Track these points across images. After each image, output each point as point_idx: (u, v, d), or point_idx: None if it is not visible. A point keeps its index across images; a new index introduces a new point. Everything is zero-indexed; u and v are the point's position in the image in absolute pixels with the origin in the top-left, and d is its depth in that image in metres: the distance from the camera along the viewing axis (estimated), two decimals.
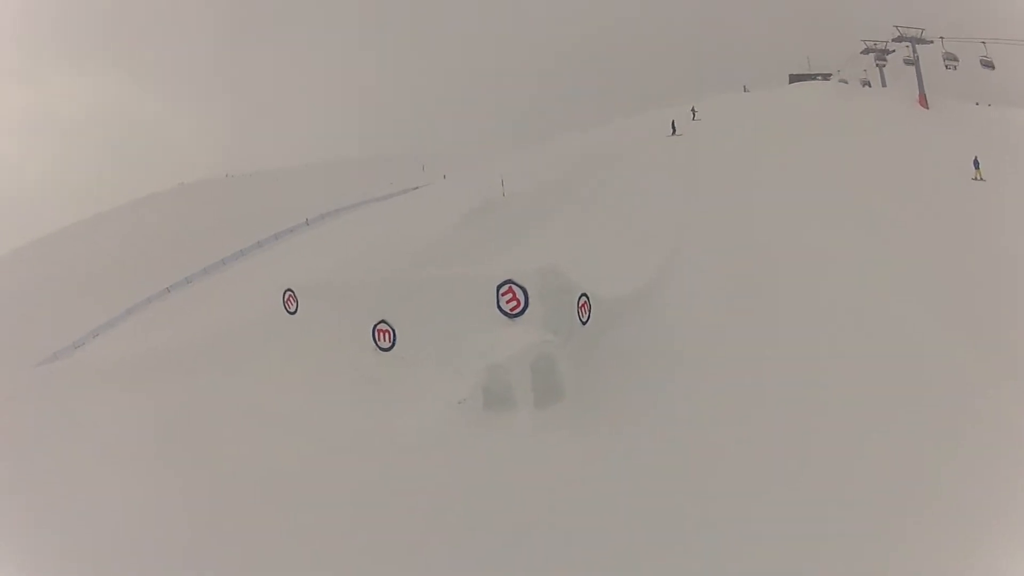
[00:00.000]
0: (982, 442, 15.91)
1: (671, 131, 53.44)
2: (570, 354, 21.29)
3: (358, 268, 37.62)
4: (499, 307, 21.81)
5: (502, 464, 16.72)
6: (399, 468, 16.63)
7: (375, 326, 23.47)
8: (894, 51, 64.41)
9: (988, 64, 56.19)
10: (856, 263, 27.08)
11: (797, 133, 47.14)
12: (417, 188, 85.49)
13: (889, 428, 16.68)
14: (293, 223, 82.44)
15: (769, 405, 18.64)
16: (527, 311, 21.52)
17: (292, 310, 27.08)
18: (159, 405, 21.50)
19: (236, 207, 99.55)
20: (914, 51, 60.23)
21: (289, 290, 27.24)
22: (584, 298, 23.15)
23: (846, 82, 70.96)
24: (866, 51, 67.65)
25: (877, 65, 68.18)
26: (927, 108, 57.46)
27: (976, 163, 39.21)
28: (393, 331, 23.22)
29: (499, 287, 21.81)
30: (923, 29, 60.62)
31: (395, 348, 23.18)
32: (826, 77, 75.93)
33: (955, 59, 58.57)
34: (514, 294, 21.64)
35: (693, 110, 58.56)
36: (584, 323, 23.06)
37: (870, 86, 68.50)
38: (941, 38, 59.71)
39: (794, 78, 78.27)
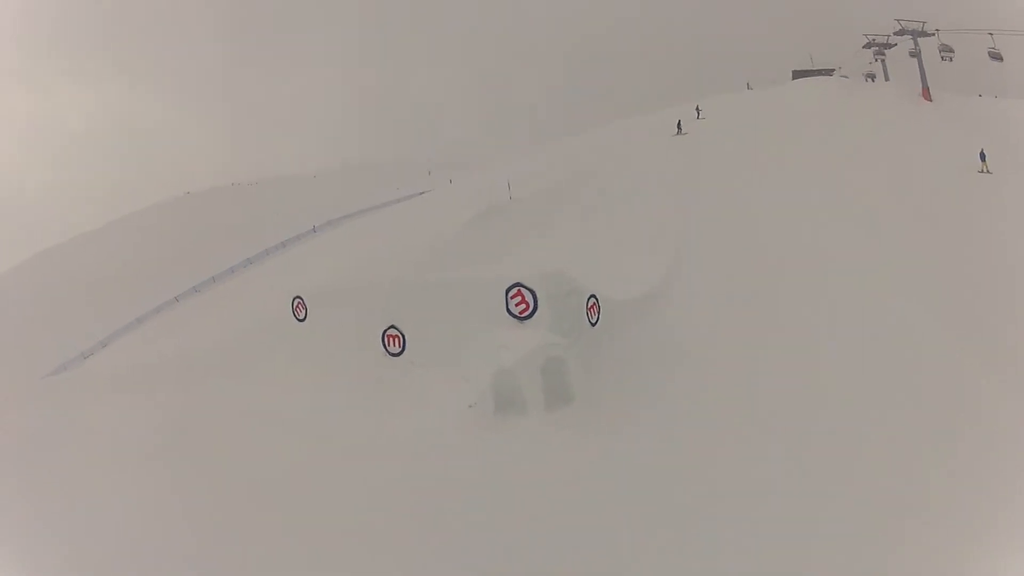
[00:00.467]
0: (983, 443, 15.95)
1: (677, 130, 53.41)
2: (579, 356, 21.32)
3: (366, 274, 37.56)
4: (508, 310, 21.87)
5: (514, 467, 16.78)
6: (411, 472, 16.70)
7: (384, 331, 23.54)
8: (896, 45, 64.19)
9: (996, 56, 55.52)
10: (861, 264, 27.03)
11: (801, 130, 46.99)
12: (423, 193, 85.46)
13: (890, 430, 16.73)
14: (300, 230, 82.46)
15: (774, 406, 18.70)
16: (536, 314, 21.57)
17: (301, 317, 27.16)
18: (168, 413, 21.62)
19: (243, 215, 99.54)
20: (916, 44, 60.02)
21: (298, 297, 27.32)
22: (593, 299, 23.19)
23: (847, 77, 70.72)
24: (868, 45, 67.47)
25: (876, 59, 67.96)
26: (930, 101, 57.30)
27: (982, 155, 38.99)
28: (403, 336, 23.29)
29: (508, 290, 21.87)
30: (924, 22, 60.41)
31: (405, 353, 23.26)
32: (829, 73, 75.71)
33: (951, 51, 58.31)
34: (523, 297, 21.70)
35: (698, 109, 58.47)
36: (593, 324, 23.09)
37: (873, 80, 68.32)
38: (937, 30, 59.46)
39: (797, 74, 78.01)
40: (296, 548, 13.49)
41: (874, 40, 66.87)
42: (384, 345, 23.54)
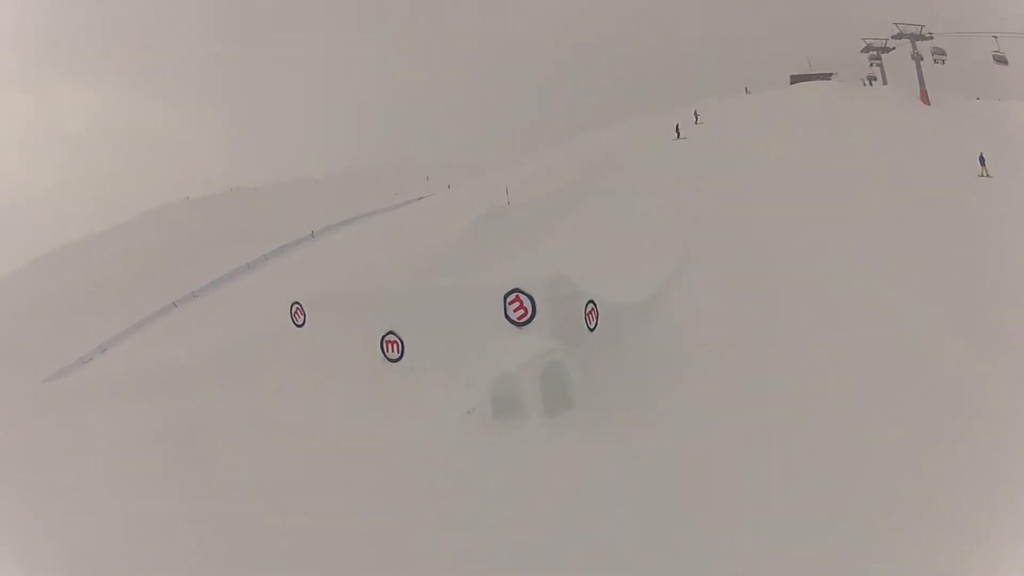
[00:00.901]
0: (985, 443, 15.93)
1: (675, 135, 53.47)
2: (579, 361, 21.32)
3: (365, 280, 37.60)
4: (507, 316, 21.87)
5: (513, 472, 16.77)
6: (409, 478, 16.69)
7: (383, 337, 23.55)
8: (894, 48, 64.36)
9: (1001, 59, 55.33)
10: (862, 266, 27.03)
11: (800, 133, 47.00)
12: (422, 198, 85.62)
13: (894, 431, 16.70)
14: (299, 236, 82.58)
15: (776, 410, 18.68)
16: (535, 319, 21.57)
17: (300, 323, 27.18)
18: (167, 418, 21.57)
19: (242, 221, 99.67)
20: (915, 47, 60.12)
21: (296, 303, 27.33)
22: (591, 305, 23.18)
23: (843, 81, 70.88)
24: (866, 49, 67.66)
25: (872, 64, 68.17)
26: (929, 104, 57.41)
27: (982, 159, 38.91)
28: (401, 342, 23.31)
29: (506, 296, 21.87)
30: (923, 26, 60.50)
31: (404, 359, 23.26)
32: (827, 77, 75.84)
33: (943, 53, 58.38)
34: (521, 303, 21.70)
35: (696, 113, 58.55)
36: (592, 330, 23.08)
37: (872, 83, 68.47)
38: (931, 34, 59.55)
39: (795, 79, 78.14)
40: (294, 552, 13.46)
41: (872, 44, 67.04)
42: (383, 351, 23.54)
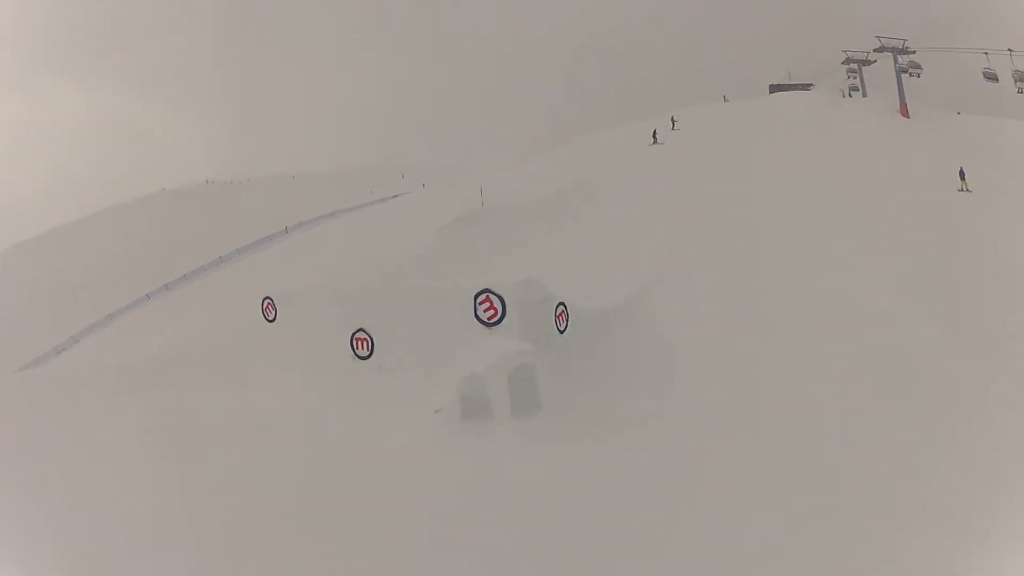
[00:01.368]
0: (975, 444, 16.04)
1: (652, 140, 53.59)
2: (548, 364, 21.26)
3: (337, 276, 37.51)
4: (477, 316, 21.79)
5: (479, 473, 16.68)
6: (376, 476, 16.60)
7: (353, 334, 23.44)
8: (875, 61, 64.61)
9: (992, 77, 54.90)
10: (841, 270, 27.24)
11: (777, 142, 47.22)
12: (397, 196, 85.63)
13: (881, 433, 16.84)
14: (273, 231, 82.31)
15: (754, 414, 18.76)
16: (504, 320, 21.50)
17: (271, 318, 27.03)
18: (136, 412, 21.44)
19: (216, 214, 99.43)
20: (897, 61, 60.31)
21: (268, 298, 27.18)
22: (561, 307, 23.13)
23: (823, 92, 71.31)
24: (846, 62, 67.99)
25: (849, 76, 68.55)
26: (908, 117, 57.64)
27: (962, 174, 38.88)
28: (371, 340, 23.21)
29: (476, 296, 21.80)
30: (905, 40, 60.68)
31: (373, 356, 23.17)
32: (806, 88, 76.24)
33: (919, 67, 58.59)
34: (491, 303, 21.64)
35: (673, 119, 58.67)
36: (562, 332, 23.03)
37: (852, 95, 68.76)
38: (907, 46, 59.77)
39: (774, 89, 78.49)
40: (265, 545, 13.39)
41: (852, 56, 67.37)
42: (352, 348, 23.43)
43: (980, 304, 24.64)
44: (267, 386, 23.47)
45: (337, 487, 16.17)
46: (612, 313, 25.47)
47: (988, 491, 13.95)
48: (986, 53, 54.97)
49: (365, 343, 23.28)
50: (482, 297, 21.67)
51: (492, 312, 21.56)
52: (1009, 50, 54.38)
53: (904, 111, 58.61)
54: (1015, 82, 53.97)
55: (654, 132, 54.64)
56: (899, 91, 59.59)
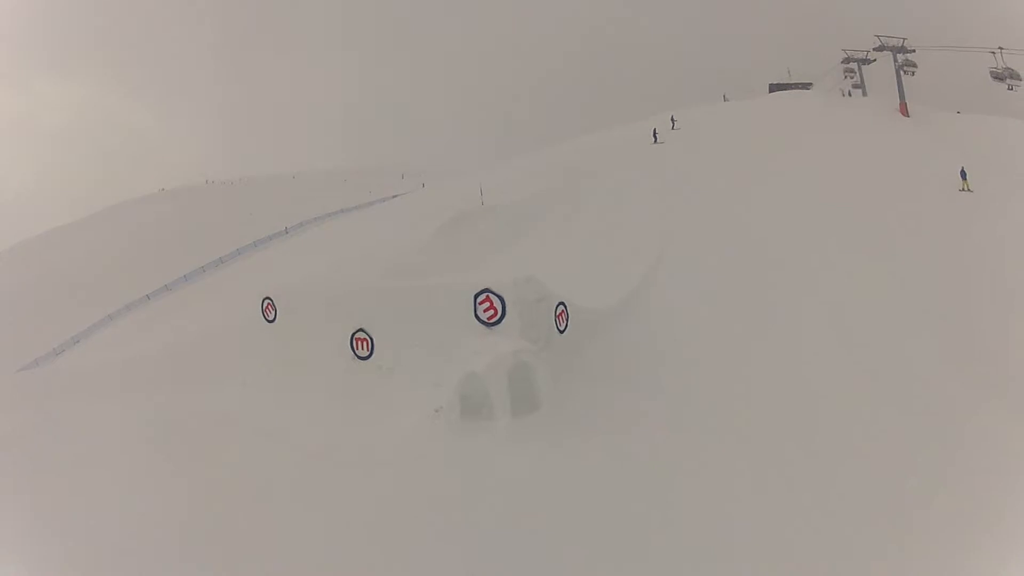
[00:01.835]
0: (974, 446, 16.07)
1: (653, 139, 53.68)
2: (548, 363, 21.22)
3: (337, 276, 37.51)
4: (476, 316, 21.76)
5: (479, 472, 16.68)
6: (376, 475, 16.60)
7: (353, 334, 23.41)
8: (875, 60, 64.58)
9: (999, 77, 54.37)
10: (838, 270, 27.24)
11: (776, 140, 47.24)
12: (396, 196, 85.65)
13: (879, 432, 16.85)
14: (273, 231, 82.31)
15: (750, 415, 18.81)
16: (504, 320, 21.47)
17: (271, 318, 26.98)
18: (138, 414, 21.49)
19: (216, 214, 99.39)
20: (896, 60, 60.26)
21: (268, 298, 27.13)
22: (562, 307, 23.11)
23: (823, 91, 71.22)
24: (846, 60, 67.96)
25: (847, 76, 68.55)
26: (907, 116, 57.62)
27: (963, 174, 38.83)
28: (371, 339, 23.17)
29: (476, 296, 21.76)
30: (905, 39, 60.63)
31: (373, 356, 23.12)
32: (806, 87, 76.19)
33: (914, 65, 58.60)
34: (491, 303, 21.59)
35: (672, 119, 58.72)
36: (562, 332, 23.01)
37: (852, 94, 68.70)
38: (906, 46, 59.72)
39: (774, 88, 78.47)
40: (261, 546, 13.42)
41: (852, 56, 67.32)
42: (352, 348, 23.41)
43: (980, 304, 24.65)
44: (265, 386, 23.44)
45: (337, 487, 16.18)
46: (612, 312, 25.49)
47: (987, 492, 13.96)
48: (992, 52, 54.73)
49: (365, 343, 23.24)
50: (482, 297, 21.63)
51: (492, 312, 21.51)
52: (1000, 48, 54.29)
53: (904, 110, 58.65)
54: (1005, 79, 53.87)
55: (654, 131, 54.75)
56: (899, 90, 59.63)
